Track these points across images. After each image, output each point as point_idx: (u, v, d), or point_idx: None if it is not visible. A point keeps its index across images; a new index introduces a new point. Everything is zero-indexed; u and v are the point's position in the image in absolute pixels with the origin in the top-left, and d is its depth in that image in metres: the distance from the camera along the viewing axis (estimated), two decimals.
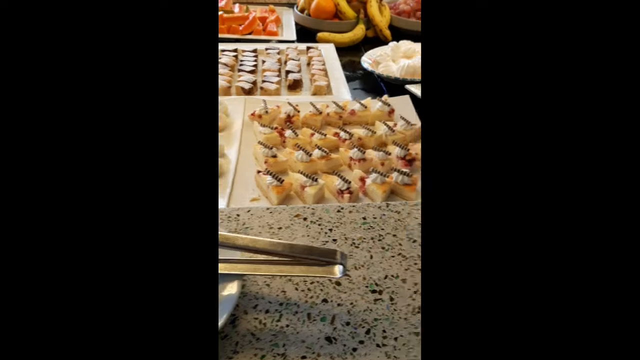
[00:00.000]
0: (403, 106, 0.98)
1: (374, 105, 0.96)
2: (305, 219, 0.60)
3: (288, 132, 0.84)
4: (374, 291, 0.49)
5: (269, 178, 0.69)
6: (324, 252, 0.43)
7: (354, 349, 0.42)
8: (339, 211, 0.61)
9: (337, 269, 0.43)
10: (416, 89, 1.10)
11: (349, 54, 1.46)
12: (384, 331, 0.44)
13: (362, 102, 0.96)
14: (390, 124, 0.88)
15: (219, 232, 0.41)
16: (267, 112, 0.92)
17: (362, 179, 0.73)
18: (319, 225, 0.58)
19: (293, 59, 1.23)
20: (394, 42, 1.36)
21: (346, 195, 0.69)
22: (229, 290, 0.43)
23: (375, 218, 0.60)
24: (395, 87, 1.16)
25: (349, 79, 1.31)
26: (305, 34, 1.58)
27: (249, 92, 1.07)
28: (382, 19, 1.59)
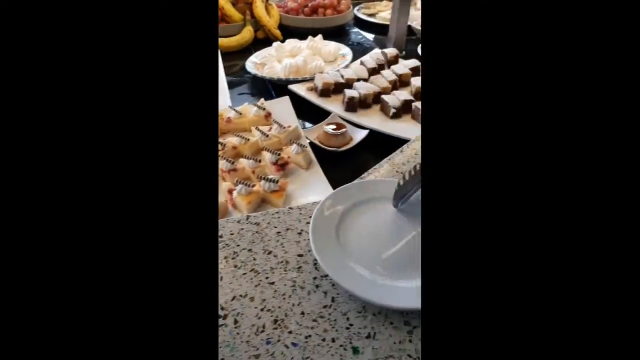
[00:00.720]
0: (281, 108, 0.96)
1: (251, 110, 0.93)
2: None
3: None
4: (218, 317, 0.46)
5: None
6: None
7: None
8: None
9: None
10: (298, 89, 1.08)
11: (239, 57, 1.42)
12: (223, 359, 0.41)
13: (238, 108, 0.93)
14: (265, 128, 0.86)
15: None
16: None
17: (230, 191, 0.70)
18: None
19: None
20: (278, 42, 1.34)
21: None
22: None
23: (232, 234, 0.58)
24: (282, 87, 1.14)
25: (237, 84, 1.27)
26: None
27: None
28: (269, 19, 1.56)
